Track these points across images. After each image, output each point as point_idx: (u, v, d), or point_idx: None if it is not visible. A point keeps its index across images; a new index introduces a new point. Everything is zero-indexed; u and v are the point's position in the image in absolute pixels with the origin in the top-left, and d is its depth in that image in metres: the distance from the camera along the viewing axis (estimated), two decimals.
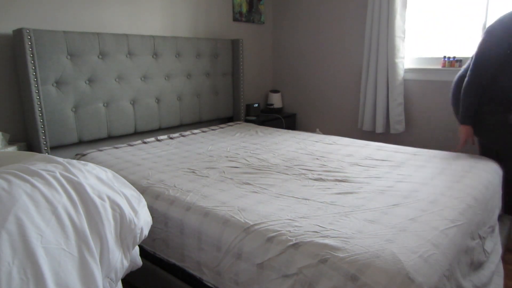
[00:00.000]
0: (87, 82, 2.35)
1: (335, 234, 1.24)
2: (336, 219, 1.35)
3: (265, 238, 1.26)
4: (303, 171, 1.90)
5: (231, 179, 1.80)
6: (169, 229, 1.55)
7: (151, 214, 1.23)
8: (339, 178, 1.79)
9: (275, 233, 1.26)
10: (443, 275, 1.12)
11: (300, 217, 1.37)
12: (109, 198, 0.99)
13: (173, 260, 1.56)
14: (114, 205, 0.99)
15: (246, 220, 1.36)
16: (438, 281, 1.09)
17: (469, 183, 1.70)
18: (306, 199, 1.54)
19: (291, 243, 1.21)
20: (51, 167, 0.97)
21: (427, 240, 1.21)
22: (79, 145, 2.41)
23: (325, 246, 1.17)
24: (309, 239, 1.21)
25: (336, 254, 1.13)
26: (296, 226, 1.30)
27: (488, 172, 1.87)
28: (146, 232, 1.11)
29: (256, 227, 1.31)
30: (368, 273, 1.06)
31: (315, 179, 1.79)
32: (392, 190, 1.63)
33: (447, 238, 1.24)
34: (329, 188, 1.67)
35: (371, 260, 1.09)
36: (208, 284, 1.42)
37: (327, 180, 1.78)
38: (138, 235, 1.06)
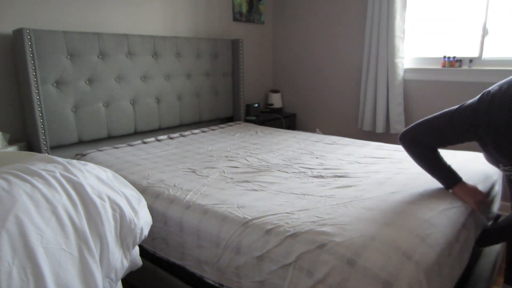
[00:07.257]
0: (87, 82, 2.35)
1: (333, 222, 1.25)
2: (334, 209, 1.36)
3: (263, 230, 1.27)
4: (303, 169, 1.91)
5: (231, 178, 1.80)
6: (169, 227, 1.55)
7: (151, 214, 1.23)
8: (339, 175, 1.79)
9: (273, 226, 1.27)
10: (441, 252, 1.12)
11: (299, 210, 1.38)
12: (109, 198, 0.99)
13: (173, 259, 1.56)
14: (114, 205, 0.99)
15: (245, 215, 1.37)
16: (437, 258, 1.09)
17: (468, 172, 1.68)
18: (305, 194, 1.55)
19: (289, 233, 1.22)
20: (51, 167, 0.97)
21: (425, 220, 1.21)
22: (79, 145, 2.41)
23: (323, 233, 1.18)
24: (307, 229, 1.22)
25: (333, 240, 1.14)
26: (294, 218, 1.31)
27: (487, 165, 1.85)
28: (146, 232, 1.11)
29: (254, 221, 1.33)
30: (365, 255, 1.07)
31: (315, 176, 1.79)
32: (391, 181, 1.64)
33: (446, 218, 1.25)
34: (328, 184, 1.68)
35: (368, 242, 1.10)
36: (209, 282, 1.42)
37: (327, 177, 1.78)
38: (138, 235, 1.06)
